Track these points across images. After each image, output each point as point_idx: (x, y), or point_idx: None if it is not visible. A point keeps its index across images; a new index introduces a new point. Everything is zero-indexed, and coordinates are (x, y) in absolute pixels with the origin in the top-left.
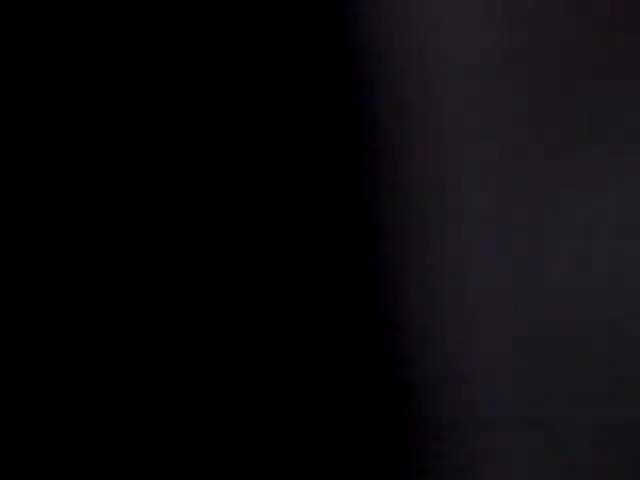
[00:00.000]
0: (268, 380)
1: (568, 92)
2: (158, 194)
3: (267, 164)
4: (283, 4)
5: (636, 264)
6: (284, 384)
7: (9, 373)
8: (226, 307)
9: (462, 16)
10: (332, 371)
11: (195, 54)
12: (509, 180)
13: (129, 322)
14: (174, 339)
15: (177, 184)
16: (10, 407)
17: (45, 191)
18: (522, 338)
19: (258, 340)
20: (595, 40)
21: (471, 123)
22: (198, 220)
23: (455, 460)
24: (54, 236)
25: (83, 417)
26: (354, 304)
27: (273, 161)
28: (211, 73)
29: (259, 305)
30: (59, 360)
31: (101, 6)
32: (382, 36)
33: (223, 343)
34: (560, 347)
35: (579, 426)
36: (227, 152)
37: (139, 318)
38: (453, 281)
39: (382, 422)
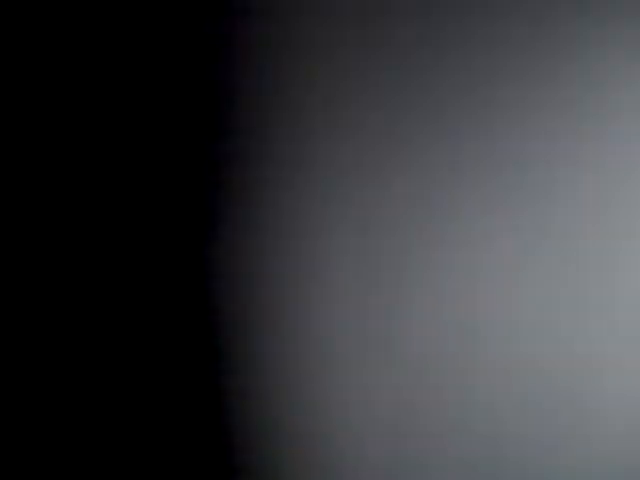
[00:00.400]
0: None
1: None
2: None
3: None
4: None
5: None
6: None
7: (9, 373)
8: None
9: None
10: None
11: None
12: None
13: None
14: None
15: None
16: (10, 407)
17: (43, 191)
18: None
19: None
20: None
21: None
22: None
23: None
24: (52, 235)
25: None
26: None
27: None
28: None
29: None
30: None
31: (101, 6)
32: None
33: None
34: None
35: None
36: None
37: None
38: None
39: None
